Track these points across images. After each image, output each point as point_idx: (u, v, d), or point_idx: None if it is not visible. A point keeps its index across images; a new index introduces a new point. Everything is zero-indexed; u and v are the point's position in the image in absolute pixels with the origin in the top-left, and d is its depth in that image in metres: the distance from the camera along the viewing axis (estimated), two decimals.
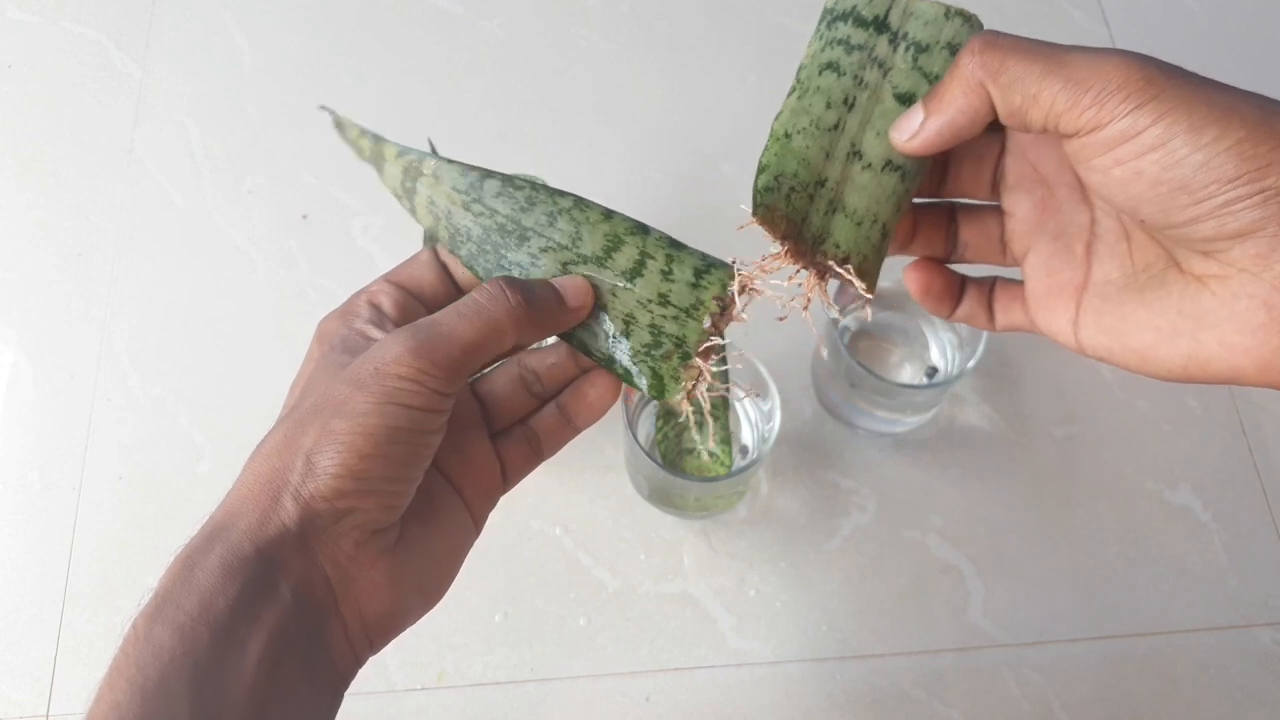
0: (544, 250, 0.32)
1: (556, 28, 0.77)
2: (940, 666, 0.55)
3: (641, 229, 0.32)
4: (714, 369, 0.31)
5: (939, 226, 0.33)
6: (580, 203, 0.32)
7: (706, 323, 0.31)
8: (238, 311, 0.67)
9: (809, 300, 0.30)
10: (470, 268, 0.33)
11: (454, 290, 0.33)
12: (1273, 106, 0.22)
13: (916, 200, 0.32)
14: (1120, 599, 0.57)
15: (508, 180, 0.32)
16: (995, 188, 0.32)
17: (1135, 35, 0.76)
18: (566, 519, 0.59)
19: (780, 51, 0.76)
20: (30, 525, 0.60)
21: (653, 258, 0.31)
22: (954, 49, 0.29)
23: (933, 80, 0.29)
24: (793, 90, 0.30)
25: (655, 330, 0.31)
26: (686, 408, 0.31)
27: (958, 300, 0.33)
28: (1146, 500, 0.60)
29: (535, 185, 0.32)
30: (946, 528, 0.59)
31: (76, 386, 0.64)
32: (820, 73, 0.30)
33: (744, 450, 0.57)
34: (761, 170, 0.30)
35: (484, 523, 0.33)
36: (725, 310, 0.31)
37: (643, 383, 0.31)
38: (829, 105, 0.30)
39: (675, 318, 0.31)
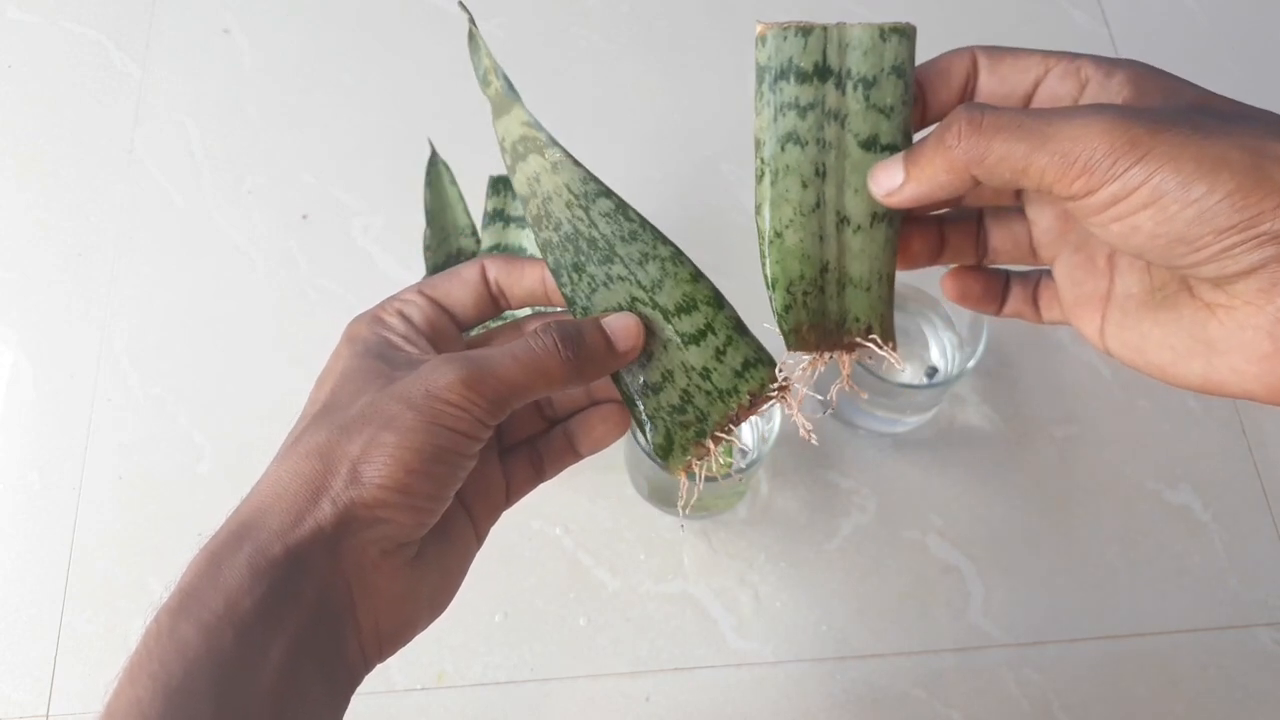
0: (621, 279, 0.32)
1: (556, 28, 0.77)
2: (940, 666, 0.55)
3: (718, 302, 0.32)
4: (720, 456, 0.32)
5: (968, 235, 0.33)
6: (677, 256, 0.32)
7: (733, 410, 0.31)
8: (238, 311, 0.67)
9: (849, 377, 0.31)
10: (544, 250, 0.33)
11: (489, 312, 0.33)
12: (1263, 148, 0.22)
13: (941, 212, 0.32)
14: (1120, 599, 0.57)
15: (622, 207, 0.32)
16: (1020, 194, 0.32)
17: (1135, 35, 0.76)
18: (566, 519, 0.59)
19: None
20: (30, 525, 0.60)
21: (715, 333, 0.32)
22: (899, 71, 0.29)
23: (888, 113, 0.29)
24: (760, 174, 0.30)
25: (686, 396, 0.32)
26: (682, 476, 0.32)
27: (1001, 299, 0.33)
28: (1146, 500, 0.60)
29: (644, 222, 0.32)
30: (946, 528, 0.59)
31: (76, 386, 0.64)
32: (783, 149, 0.29)
33: (744, 450, 0.57)
34: (773, 286, 0.29)
35: (485, 537, 0.34)
36: (753, 405, 0.32)
37: (654, 438, 0.32)
38: (804, 185, 0.29)
39: (709, 394, 0.32)
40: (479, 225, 0.52)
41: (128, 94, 0.75)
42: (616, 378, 0.32)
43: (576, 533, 0.59)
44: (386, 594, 0.28)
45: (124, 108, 0.74)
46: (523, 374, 0.29)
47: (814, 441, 0.32)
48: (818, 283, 0.30)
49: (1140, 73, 0.26)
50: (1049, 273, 0.32)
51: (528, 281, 0.33)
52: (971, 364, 0.54)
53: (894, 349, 0.30)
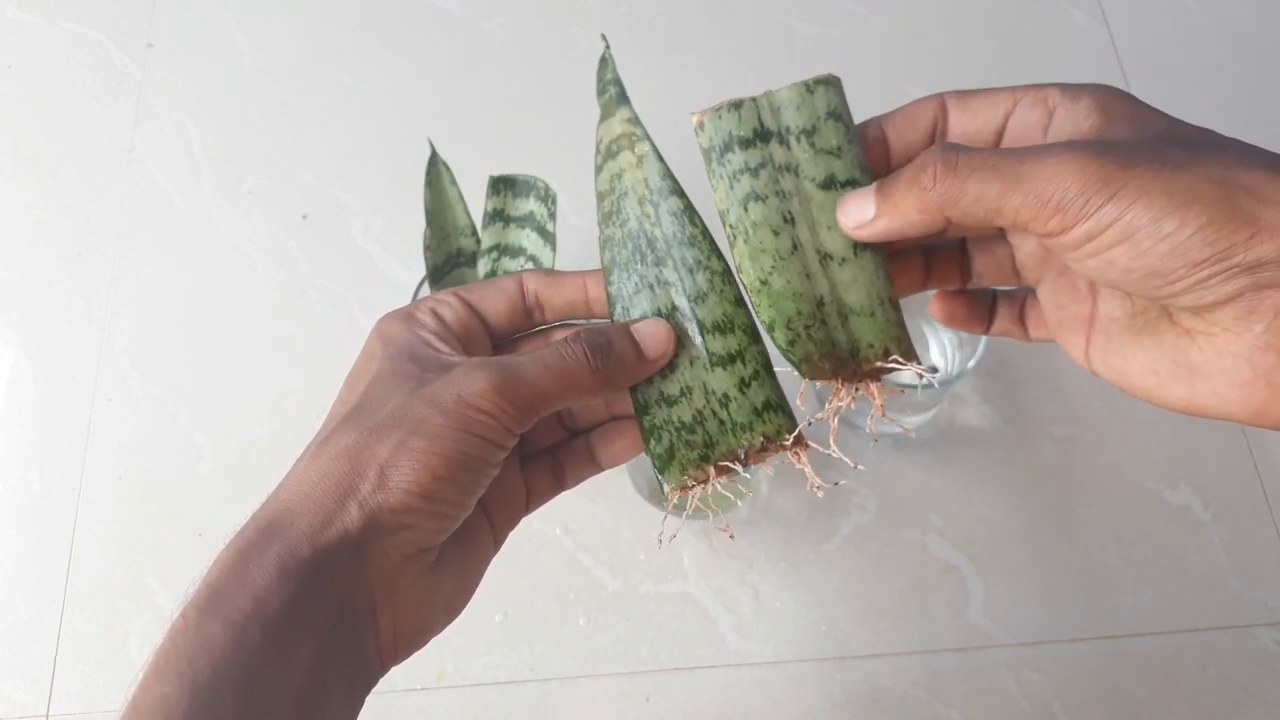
0: (667, 284, 0.32)
1: (556, 28, 0.77)
2: (940, 666, 0.55)
3: (755, 334, 0.32)
4: (716, 488, 0.31)
5: (951, 261, 0.33)
6: (727, 274, 0.32)
7: (743, 447, 0.31)
8: (238, 311, 0.67)
9: (883, 408, 0.30)
10: (603, 247, 0.33)
11: (523, 323, 0.33)
12: (1232, 178, 0.23)
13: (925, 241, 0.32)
14: (1120, 599, 0.57)
15: (689, 210, 0.32)
16: None
17: (1135, 36, 0.76)
18: (566, 519, 0.59)
19: (780, 51, 0.76)
20: (30, 525, 0.60)
21: (744, 363, 0.31)
22: (834, 115, 0.30)
23: (836, 153, 0.30)
24: (732, 239, 0.30)
25: (699, 418, 0.31)
26: (672, 497, 0.31)
27: (988, 319, 0.33)
28: (1146, 500, 0.60)
29: (705, 231, 0.32)
30: (946, 528, 0.59)
31: (76, 386, 0.64)
32: (746, 209, 0.30)
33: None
34: (771, 329, 0.30)
35: (503, 543, 0.33)
36: (764, 449, 0.31)
37: (656, 448, 0.31)
38: (776, 233, 0.30)
39: (722, 423, 0.31)
40: (479, 225, 0.52)
41: (128, 94, 0.75)
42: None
43: (576, 533, 0.59)
44: (406, 598, 0.28)
45: (124, 108, 0.74)
46: (553, 383, 0.29)
47: (820, 496, 0.31)
48: (817, 316, 0.30)
49: (1107, 97, 0.27)
50: (1034, 291, 0.32)
51: (567, 293, 0.33)
52: (971, 364, 0.54)
53: (919, 363, 0.30)
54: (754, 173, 0.30)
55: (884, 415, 0.31)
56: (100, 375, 0.64)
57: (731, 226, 0.30)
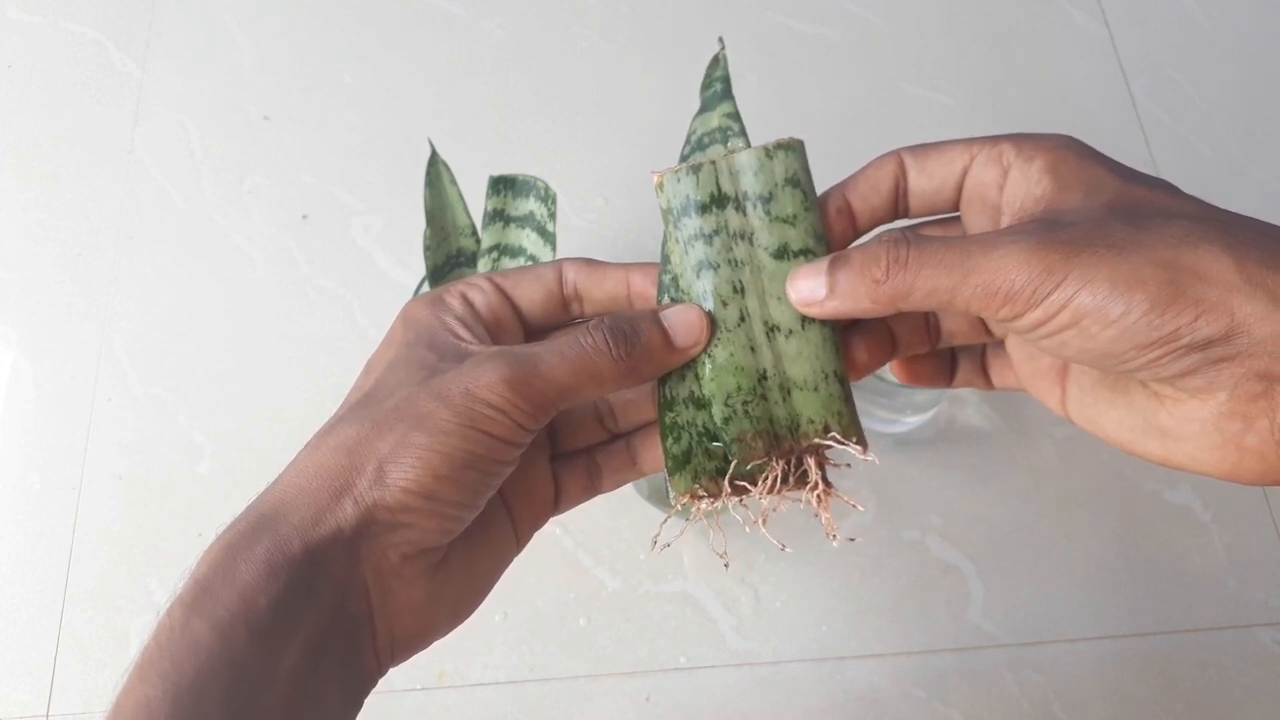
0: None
1: (556, 27, 0.77)
2: (940, 666, 0.55)
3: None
4: (717, 509, 0.29)
5: (918, 326, 0.32)
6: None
7: (766, 473, 0.29)
8: (238, 311, 0.67)
9: (820, 491, 0.29)
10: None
11: (560, 315, 0.32)
12: (1177, 260, 0.23)
13: None
14: (1120, 599, 0.57)
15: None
16: None
17: (1135, 36, 0.76)
18: (566, 519, 0.59)
19: (780, 51, 0.76)
20: (30, 525, 0.60)
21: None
22: (793, 181, 0.29)
23: (791, 221, 0.29)
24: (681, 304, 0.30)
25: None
26: (677, 503, 0.29)
27: (950, 373, 0.33)
28: (1146, 500, 0.60)
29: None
30: (946, 528, 0.59)
31: (76, 386, 0.64)
32: (698, 276, 0.29)
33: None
34: (708, 405, 0.29)
35: (527, 542, 0.32)
36: (801, 460, 0.29)
37: (673, 448, 0.29)
38: (724, 304, 0.29)
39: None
40: (479, 225, 0.52)
41: (128, 94, 0.75)
42: (662, 376, 0.30)
43: (576, 533, 0.59)
44: (405, 600, 0.27)
45: (124, 108, 0.74)
46: (570, 375, 0.27)
47: (835, 544, 0.31)
48: (757, 391, 0.29)
49: (1059, 157, 0.26)
50: (992, 345, 0.32)
51: (608, 285, 0.31)
52: None
53: (858, 443, 0.30)
54: (708, 240, 0.29)
55: (822, 501, 0.29)
56: (100, 375, 0.64)
57: (683, 292, 0.30)
